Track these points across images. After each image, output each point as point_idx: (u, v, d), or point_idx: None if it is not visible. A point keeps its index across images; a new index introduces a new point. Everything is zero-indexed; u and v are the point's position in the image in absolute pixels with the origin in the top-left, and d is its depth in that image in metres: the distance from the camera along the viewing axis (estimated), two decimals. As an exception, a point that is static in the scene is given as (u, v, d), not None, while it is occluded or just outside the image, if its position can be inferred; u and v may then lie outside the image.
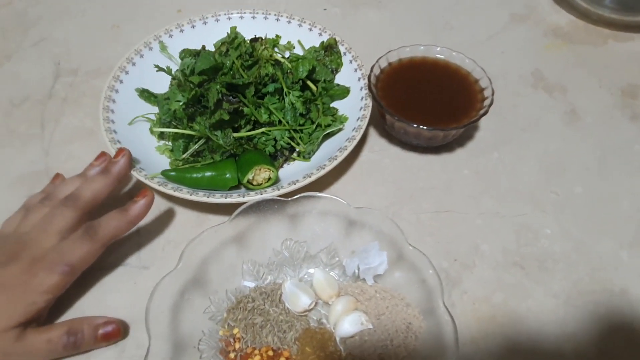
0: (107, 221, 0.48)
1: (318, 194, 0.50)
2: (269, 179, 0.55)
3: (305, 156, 0.59)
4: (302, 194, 0.50)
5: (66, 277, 0.45)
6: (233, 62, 0.60)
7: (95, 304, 0.50)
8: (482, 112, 0.59)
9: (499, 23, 0.82)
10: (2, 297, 0.43)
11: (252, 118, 0.58)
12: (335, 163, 0.54)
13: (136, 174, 0.52)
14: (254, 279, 0.50)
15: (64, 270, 0.45)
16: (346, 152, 0.55)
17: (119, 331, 0.47)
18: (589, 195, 0.60)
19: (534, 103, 0.70)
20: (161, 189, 0.52)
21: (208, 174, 0.54)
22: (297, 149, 0.60)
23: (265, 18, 0.70)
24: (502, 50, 0.77)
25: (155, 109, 0.62)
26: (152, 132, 0.61)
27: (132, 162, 0.53)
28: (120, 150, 0.52)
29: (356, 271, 0.49)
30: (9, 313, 0.43)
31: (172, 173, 0.54)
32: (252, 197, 0.51)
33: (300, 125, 0.60)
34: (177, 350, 0.43)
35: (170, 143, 0.60)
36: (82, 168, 0.54)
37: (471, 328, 0.49)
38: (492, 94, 0.60)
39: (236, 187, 0.56)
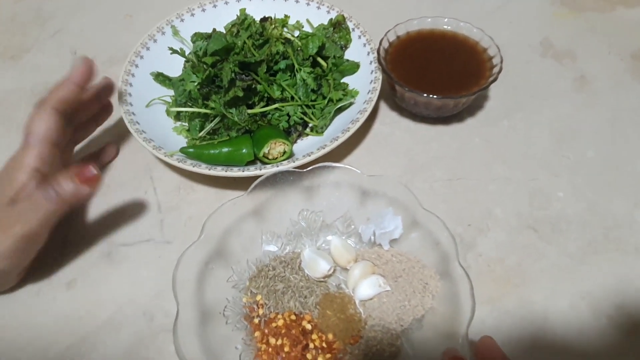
0: (51, 90, 0.51)
1: (332, 164, 0.51)
2: (284, 152, 0.56)
3: (319, 131, 0.61)
4: (316, 165, 0.51)
5: (37, 148, 0.48)
6: (244, 42, 0.61)
7: (122, 277, 0.52)
8: (491, 79, 0.59)
9: (506, -6, 0.82)
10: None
11: (265, 95, 0.60)
12: (348, 134, 0.55)
13: (155, 152, 0.54)
14: (274, 248, 0.52)
15: (29, 141, 0.48)
16: (358, 124, 0.56)
17: (96, 175, 0.47)
18: (601, 158, 0.60)
19: (543, 71, 0.70)
20: (180, 165, 0.54)
21: (225, 149, 0.55)
22: (311, 124, 0.61)
23: (274, -1, 0.71)
24: (510, 21, 0.77)
25: (170, 92, 0.64)
26: (168, 113, 0.63)
27: (92, 67, 0.53)
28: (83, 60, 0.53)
29: (372, 237, 0.51)
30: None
31: (191, 150, 0.55)
32: (269, 169, 0.52)
33: (312, 100, 0.61)
34: (204, 316, 0.45)
35: (186, 123, 0.62)
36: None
37: (487, 289, 0.50)
38: (501, 62, 0.60)
39: (252, 162, 0.57)
